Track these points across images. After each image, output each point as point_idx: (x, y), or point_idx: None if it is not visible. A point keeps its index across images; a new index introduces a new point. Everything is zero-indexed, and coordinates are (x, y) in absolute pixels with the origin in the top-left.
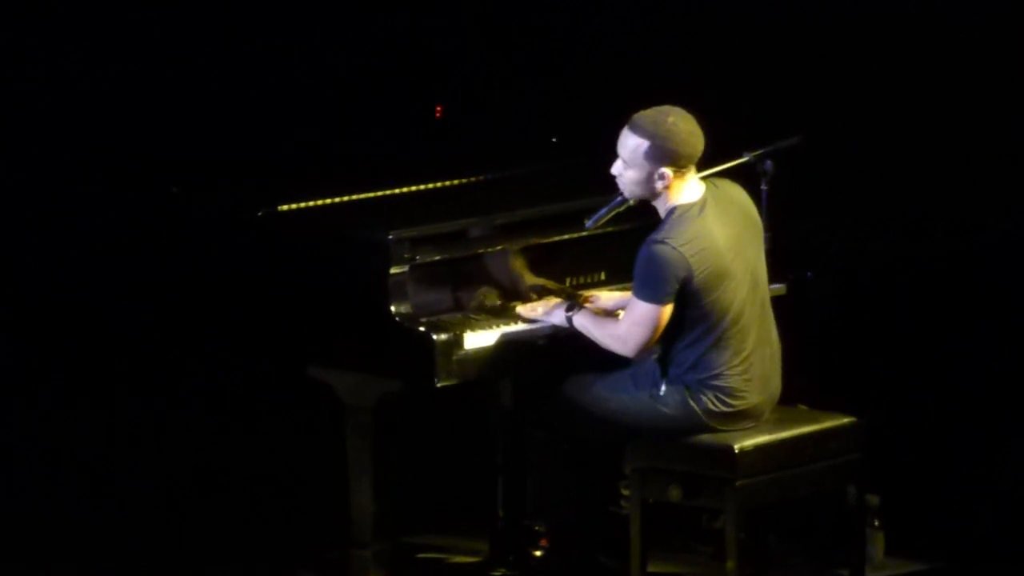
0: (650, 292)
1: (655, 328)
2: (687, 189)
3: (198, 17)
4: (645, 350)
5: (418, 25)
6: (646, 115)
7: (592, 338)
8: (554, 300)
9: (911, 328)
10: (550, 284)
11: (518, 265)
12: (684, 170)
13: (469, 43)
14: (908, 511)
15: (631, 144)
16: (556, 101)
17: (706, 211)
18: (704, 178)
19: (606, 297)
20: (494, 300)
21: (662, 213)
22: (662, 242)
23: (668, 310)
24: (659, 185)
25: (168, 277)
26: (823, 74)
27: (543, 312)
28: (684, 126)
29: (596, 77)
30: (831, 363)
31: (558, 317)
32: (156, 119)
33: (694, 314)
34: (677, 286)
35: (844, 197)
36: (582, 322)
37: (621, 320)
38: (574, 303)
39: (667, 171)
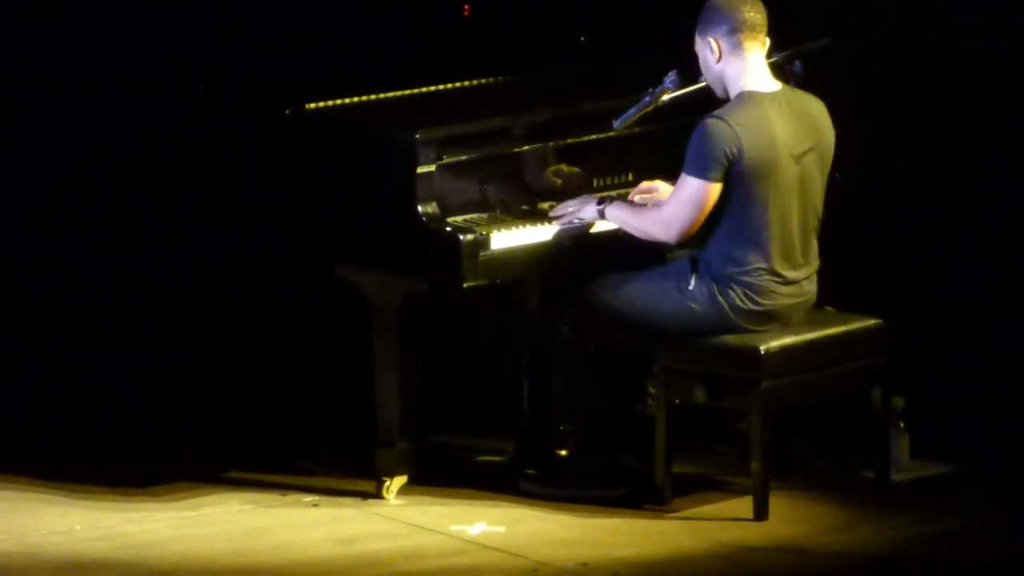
0: (699, 167)
1: (702, 207)
2: (758, 76)
3: None
4: (689, 233)
5: None
6: None
7: (630, 229)
8: (586, 201)
9: (938, 232)
10: (576, 172)
11: (547, 165)
12: (737, 42)
13: None
14: (934, 413)
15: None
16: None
17: (773, 105)
18: (786, 84)
19: (640, 197)
20: (523, 199)
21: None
22: (718, 117)
23: (716, 188)
24: (711, 59)
25: (196, 175)
26: None
27: (574, 209)
28: None
29: None
30: (859, 265)
31: (589, 212)
32: (186, 18)
33: (736, 199)
34: (726, 163)
35: (874, 101)
36: (615, 213)
37: (666, 202)
38: (605, 196)
39: (713, 41)
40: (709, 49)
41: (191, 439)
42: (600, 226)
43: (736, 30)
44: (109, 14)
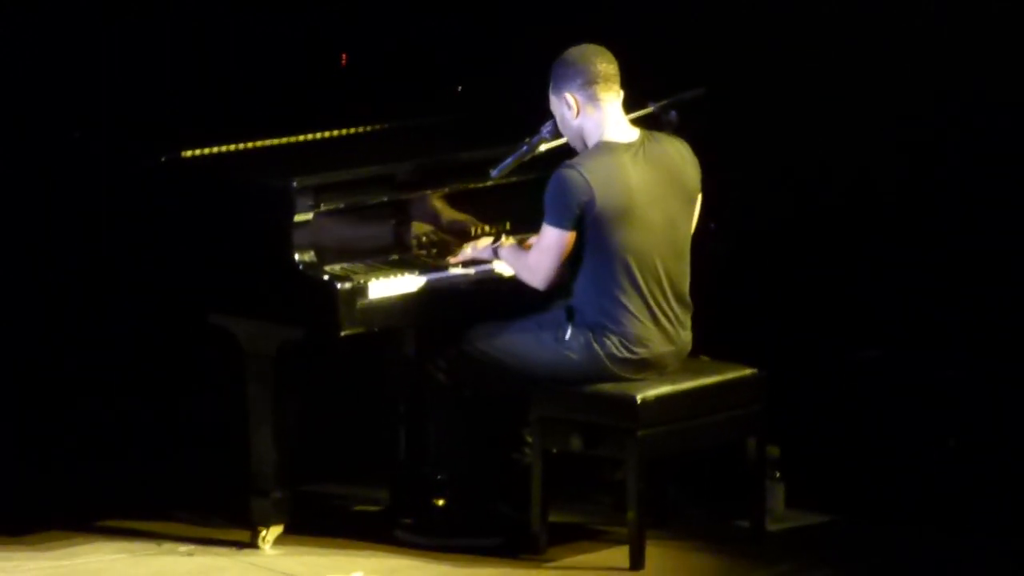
0: (554, 216)
1: (559, 255)
2: (615, 125)
3: None
4: (552, 281)
5: None
6: None
7: (513, 271)
8: (483, 241)
9: (812, 280)
10: (454, 220)
11: (425, 213)
12: (593, 94)
13: None
14: (809, 463)
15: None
16: (460, 50)
17: (628, 153)
18: (646, 130)
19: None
20: (401, 247)
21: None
22: (570, 166)
23: (571, 237)
24: (569, 115)
25: (70, 222)
26: (728, 27)
27: (471, 252)
28: (578, 50)
29: (500, 25)
30: (733, 314)
31: (486, 253)
32: (60, 64)
33: (598, 249)
34: (578, 211)
35: (748, 149)
36: (505, 254)
37: (531, 249)
38: (499, 239)
39: (570, 96)
40: (566, 105)
41: (65, 488)
42: (477, 274)
43: (591, 82)
44: None
